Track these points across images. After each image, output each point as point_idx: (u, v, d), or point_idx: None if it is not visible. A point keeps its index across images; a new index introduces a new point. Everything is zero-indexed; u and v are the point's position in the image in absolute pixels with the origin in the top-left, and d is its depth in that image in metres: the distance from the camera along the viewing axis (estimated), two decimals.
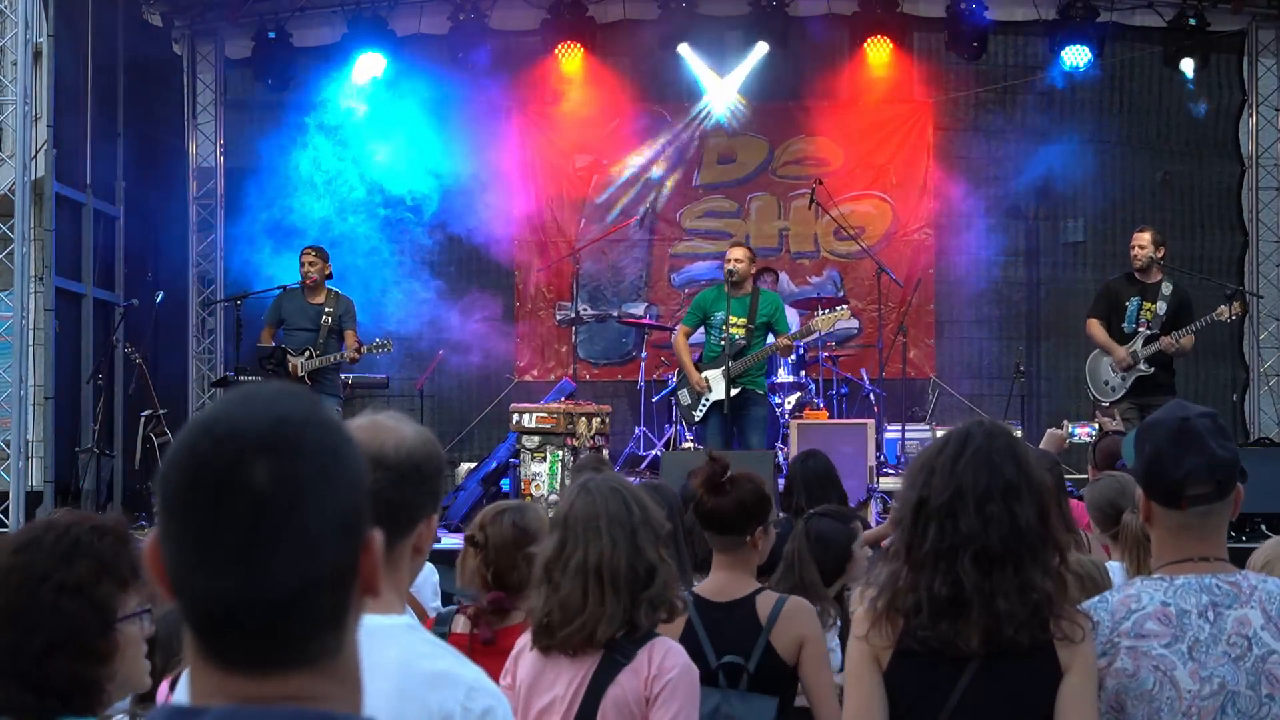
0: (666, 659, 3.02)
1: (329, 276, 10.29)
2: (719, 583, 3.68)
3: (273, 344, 10.19)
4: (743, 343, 9.51)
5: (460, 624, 3.60)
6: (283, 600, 1.21)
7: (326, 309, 10.08)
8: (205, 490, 1.20)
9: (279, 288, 10.36)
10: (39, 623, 2.19)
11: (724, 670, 3.53)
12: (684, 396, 9.86)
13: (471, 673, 2.16)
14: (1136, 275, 9.43)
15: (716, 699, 3.50)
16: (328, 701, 1.23)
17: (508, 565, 3.54)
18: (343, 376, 10.51)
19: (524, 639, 3.13)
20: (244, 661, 1.22)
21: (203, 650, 1.23)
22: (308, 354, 9.99)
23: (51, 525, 2.29)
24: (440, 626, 3.58)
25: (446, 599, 7.10)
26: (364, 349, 9.99)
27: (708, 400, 9.61)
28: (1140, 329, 9.30)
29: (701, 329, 9.91)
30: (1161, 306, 9.29)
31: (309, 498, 1.21)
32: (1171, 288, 9.36)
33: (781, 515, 5.75)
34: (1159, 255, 9.45)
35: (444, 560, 7.91)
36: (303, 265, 10.19)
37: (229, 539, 1.20)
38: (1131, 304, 9.37)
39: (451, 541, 8.86)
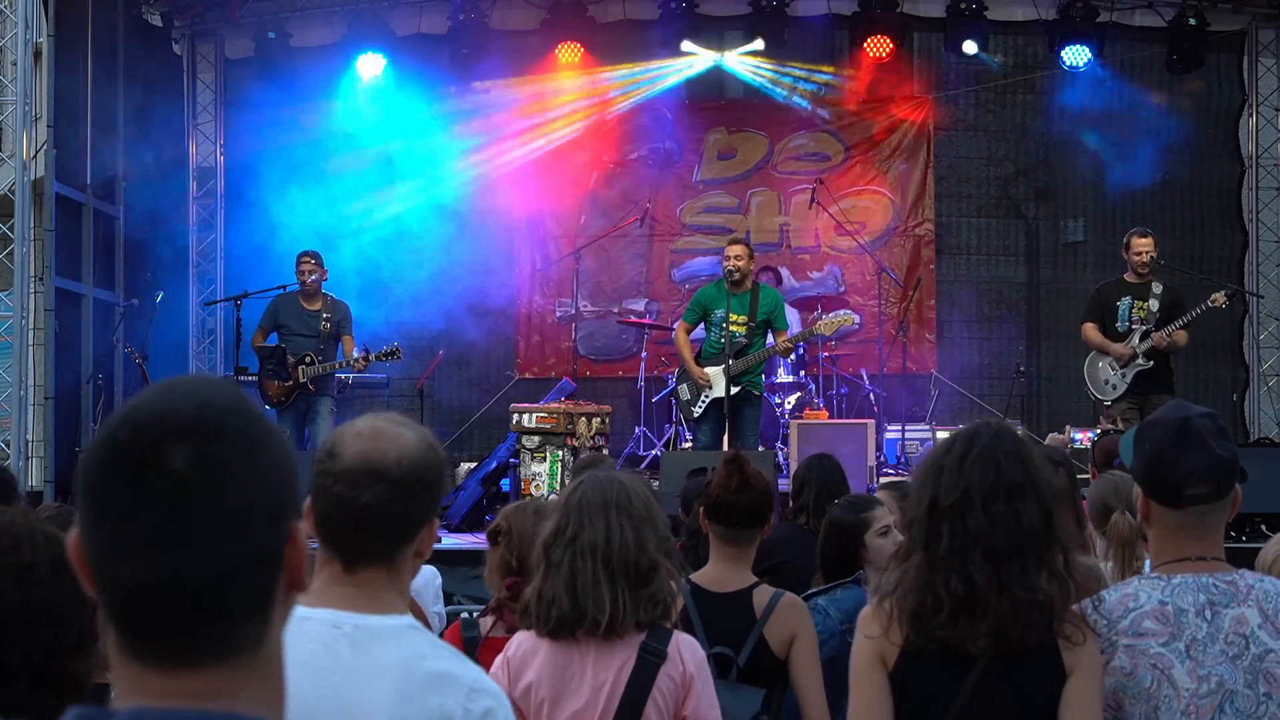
0: (696, 652, 3.08)
1: (324, 279, 10.23)
2: (719, 574, 3.76)
3: (268, 345, 10.11)
4: (743, 340, 9.42)
5: (487, 625, 3.61)
6: (204, 583, 1.19)
7: (324, 315, 10.02)
8: (125, 475, 1.19)
9: (279, 288, 10.22)
10: (50, 616, 2.15)
11: (714, 660, 3.58)
12: (683, 392, 9.70)
13: (472, 673, 2.17)
14: (1129, 279, 9.45)
15: None
16: (244, 699, 1.21)
17: (529, 551, 3.59)
18: (340, 376, 10.44)
19: (521, 638, 3.12)
20: (162, 655, 1.20)
21: (123, 645, 1.21)
22: (308, 359, 9.89)
23: None
24: (469, 631, 3.59)
25: (447, 598, 7.12)
26: (372, 357, 9.81)
27: (708, 397, 9.51)
28: (1134, 326, 9.33)
29: (701, 325, 9.80)
30: (1154, 304, 9.32)
31: (230, 479, 1.20)
32: (1162, 287, 9.41)
33: (784, 519, 5.72)
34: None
35: (444, 561, 7.93)
36: (301, 271, 10.03)
37: (148, 522, 1.18)
38: (1123, 303, 9.41)
39: (451, 541, 8.85)
